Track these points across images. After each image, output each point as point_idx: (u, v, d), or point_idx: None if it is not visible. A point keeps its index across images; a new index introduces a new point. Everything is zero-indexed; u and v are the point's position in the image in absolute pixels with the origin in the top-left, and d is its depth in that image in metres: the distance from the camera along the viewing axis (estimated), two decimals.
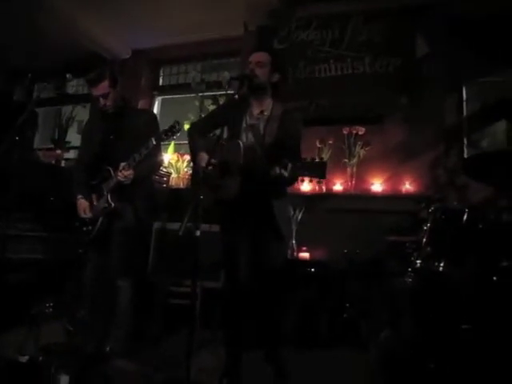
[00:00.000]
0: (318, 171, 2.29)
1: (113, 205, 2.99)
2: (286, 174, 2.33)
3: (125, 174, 2.88)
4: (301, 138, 2.79)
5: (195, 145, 2.84)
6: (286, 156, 2.39)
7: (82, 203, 3.11)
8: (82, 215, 3.09)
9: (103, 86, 3.00)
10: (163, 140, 2.85)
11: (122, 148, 3.00)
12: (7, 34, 5.47)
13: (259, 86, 2.76)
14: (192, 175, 2.56)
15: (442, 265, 2.52)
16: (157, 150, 3.09)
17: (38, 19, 5.09)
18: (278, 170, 2.36)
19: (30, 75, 5.99)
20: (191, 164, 2.94)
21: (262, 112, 2.81)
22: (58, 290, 3.77)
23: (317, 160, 2.32)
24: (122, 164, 2.89)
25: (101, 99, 3.04)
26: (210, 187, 2.65)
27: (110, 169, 2.99)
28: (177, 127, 2.76)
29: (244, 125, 2.80)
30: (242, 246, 2.73)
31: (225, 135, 2.83)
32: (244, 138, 2.76)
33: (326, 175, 2.29)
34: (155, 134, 2.82)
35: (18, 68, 6.34)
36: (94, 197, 3.11)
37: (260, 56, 2.78)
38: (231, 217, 2.75)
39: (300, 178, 4.12)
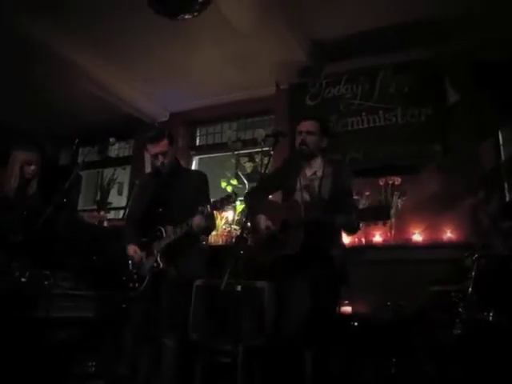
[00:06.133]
0: (383, 214, 2.52)
1: (161, 265, 3.01)
2: (351, 221, 2.53)
3: (174, 237, 2.97)
4: (353, 190, 2.99)
5: (253, 210, 3.05)
6: (344, 208, 2.59)
7: (132, 247, 3.12)
8: (132, 253, 3.09)
9: (163, 144, 3.13)
10: (218, 209, 2.96)
11: (176, 209, 3.07)
12: (53, 103, 5.85)
13: (311, 154, 3.01)
14: (238, 236, 2.74)
15: (491, 314, 2.44)
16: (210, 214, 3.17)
17: (79, 85, 5.38)
18: (343, 218, 2.54)
19: (76, 140, 6.26)
20: (248, 225, 3.15)
21: (314, 173, 3.00)
22: (101, 349, 3.78)
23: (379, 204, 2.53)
24: (171, 229, 2.99)
25: (159, 156, 3.15)
26: (273, 245, 2.86)
27: (162, 229, 3.04)
28: (233, 197, 2.87)
29: (298, 186, 2.97)
30: (303, 296, 2.80)
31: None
32: (300, 198, 2.92)
33: (390, 216, 2.47)
34: (211, 202, 2.90)
35: (63, 134, 6.67)
36: (143, 254, 3.11)
37: (309, 125, 3.00)
38: (294, 269, 2.84)
39: None
